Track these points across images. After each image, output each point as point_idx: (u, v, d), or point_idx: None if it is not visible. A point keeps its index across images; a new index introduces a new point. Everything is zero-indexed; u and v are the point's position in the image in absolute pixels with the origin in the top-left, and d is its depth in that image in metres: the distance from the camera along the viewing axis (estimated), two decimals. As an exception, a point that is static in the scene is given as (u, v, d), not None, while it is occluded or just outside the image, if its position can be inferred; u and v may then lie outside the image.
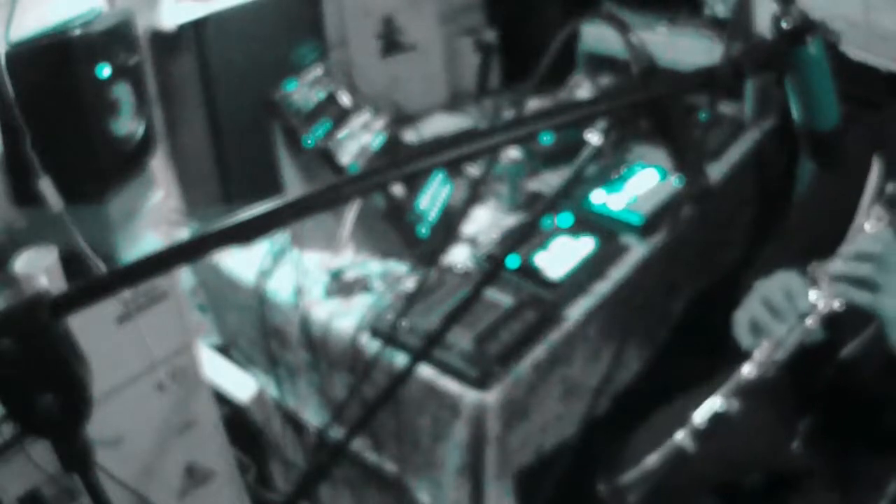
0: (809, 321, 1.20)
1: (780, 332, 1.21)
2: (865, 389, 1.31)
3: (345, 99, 2.05)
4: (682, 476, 1.22)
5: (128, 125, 1.67)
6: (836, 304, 1.19)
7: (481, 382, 1.58)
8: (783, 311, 1.23)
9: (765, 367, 1.20)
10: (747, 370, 1.21)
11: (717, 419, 1.19)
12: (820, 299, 1.20)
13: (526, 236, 1.82)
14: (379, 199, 1.87)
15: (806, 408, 1.39)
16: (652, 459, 1.21)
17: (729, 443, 1.37)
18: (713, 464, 1.42)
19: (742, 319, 1.29)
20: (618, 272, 1.85)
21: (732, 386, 1.20)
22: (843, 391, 1.32)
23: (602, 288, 1.81)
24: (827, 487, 1.37)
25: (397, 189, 1.89)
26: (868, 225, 1.21)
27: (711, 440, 1.20)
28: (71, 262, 1.54)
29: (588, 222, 1.94)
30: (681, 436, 1.20)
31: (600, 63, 2.46)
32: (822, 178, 1.47)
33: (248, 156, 2.04)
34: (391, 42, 2.50)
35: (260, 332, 1.99)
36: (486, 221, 2.06)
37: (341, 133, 1.94)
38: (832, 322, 1.20)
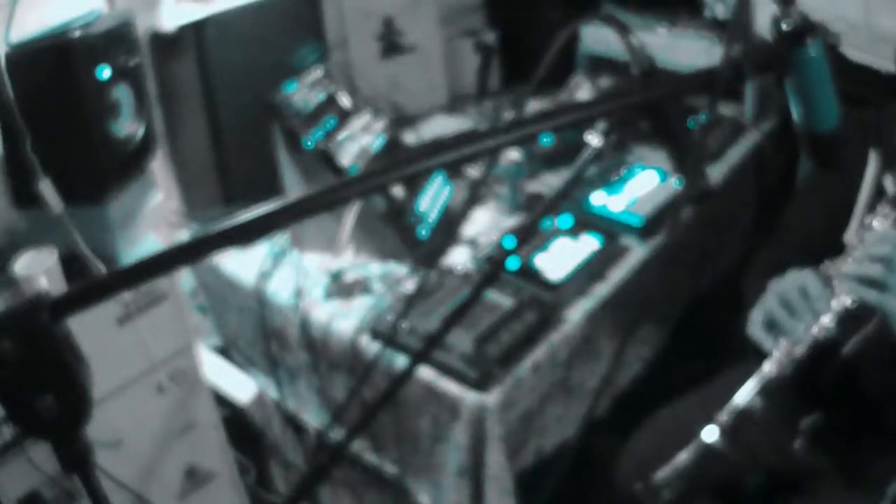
0: (825, 319, 1.21)
1: (797, 329, 1.23)
2: (868, 387, 1.31)
3: (345, 100, 2.05)
4: (709, 469, 1.24)
5: (128, 127, 1.67)
6: (849, 302, 1.20)
7: (481, 384, 1.58)
8: (800, 309, 1.24)
9: (784, 364, 1.22)
10: (768, 368, 1.22)
11: (741, 415, 1.21)
12: (834, 297, 1.22)
13: (526, 238, 1.82)
14: (379, 201, 1.87)
15: (808, 407, 1.39)
16: (682, 457, 1.23)
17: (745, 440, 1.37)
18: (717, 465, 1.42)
19: (757, 318, 1.30)
20: (618, 274, 1.85)
21: (755, 383, 1.22)
22: (845, 389, 1.32)
23: (602, 289, 1.81)
24: (830, 487, 1.37)
25: (397, 190, 1.90)
26: (877, 223, 1.22)
27: (738, 436, 1.21)
28: (71, 264, 1.54)
29: (588, 224, 1.93)
30: (708, 432, 1.22)
31: (600, 64, 2.46)
32: (817, 173, 1.47)
33: (248, 157, 2.04)
34: (391, 43, 2.50)
35: (260, 333, 1.99)
36: (486, 223, 2.06)
37: (341, 134, 1.94)
38: (845, 319, 1.21)
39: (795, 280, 1.27)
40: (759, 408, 1.21)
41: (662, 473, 1.24)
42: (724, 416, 1.22)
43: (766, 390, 1.21)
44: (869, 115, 1.37)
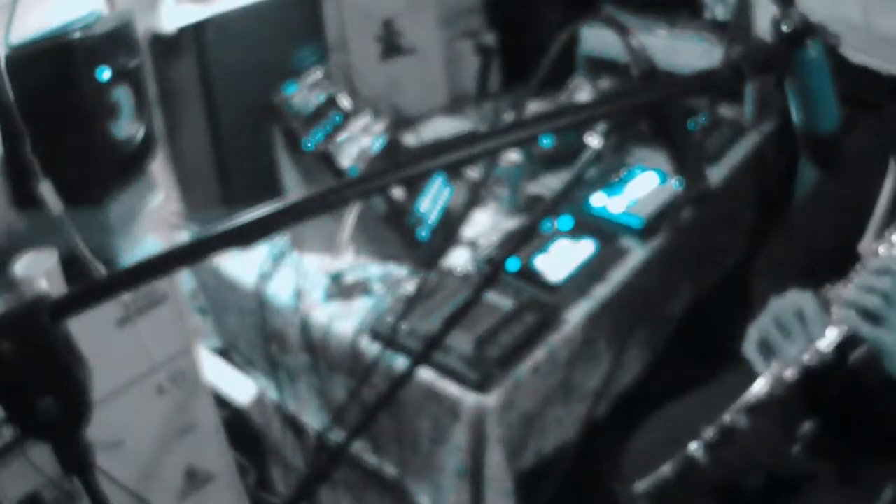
0: (821, 344, 1.21)
1: (790, 352, 1.23)
2: (871, 399, 1.31)
3: (345, 102, 2.05)
4: (689, 482, 1.25)
5: (128, 128, 1.68)
6: (844, 331, 1.20)
7: (481, 385, 1.58)
8: (794, 331, 1.24)
9: (774, 385, 1.22)
10: (757, 388, 1.23)
11: (726, 433, 1.23)
12: (830, 322, 1.21)
13: (526, 239, 1.82)
14: (379, 202, 1.87)
15: (807, 413, 1.39)
16: (665, 468, 1.25)
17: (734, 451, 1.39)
18: (715, 468, 1.43)
19: (753, 336, 1.30)
20: (617, 275, 1.85)
21: (742, 403, 1.23)
22: (845, 397, 1.32)
23: (602, 291, 1.81)
24: (827, 490, 1.37)
25: (397, 192, 1.89)
26: (882, 249, 1.22)
27: (720, 453, 1.24)
28: (71, 265, 1.54)
29: (588, 225, 1.94)
30: (693, 447, 1.24)
31: (600, 66, 2.46)
32: (827, 178, 1.47)
33: (248, 158, 2.03)
34: (391, 45, 2.50)
35: (260, 335, 1.98)
36: (486, 224, 2.05)
37: (341, 136, 1.94)
38: (841, 345, 1.21)
39: (793, 302, 1.27)
40: (744, 427, 1.22)
41: (643, 483, 1.26)
42: (709, 431, 1.23)
43: (753, 409, 1.23)
44: (877, 119, 1.37)
